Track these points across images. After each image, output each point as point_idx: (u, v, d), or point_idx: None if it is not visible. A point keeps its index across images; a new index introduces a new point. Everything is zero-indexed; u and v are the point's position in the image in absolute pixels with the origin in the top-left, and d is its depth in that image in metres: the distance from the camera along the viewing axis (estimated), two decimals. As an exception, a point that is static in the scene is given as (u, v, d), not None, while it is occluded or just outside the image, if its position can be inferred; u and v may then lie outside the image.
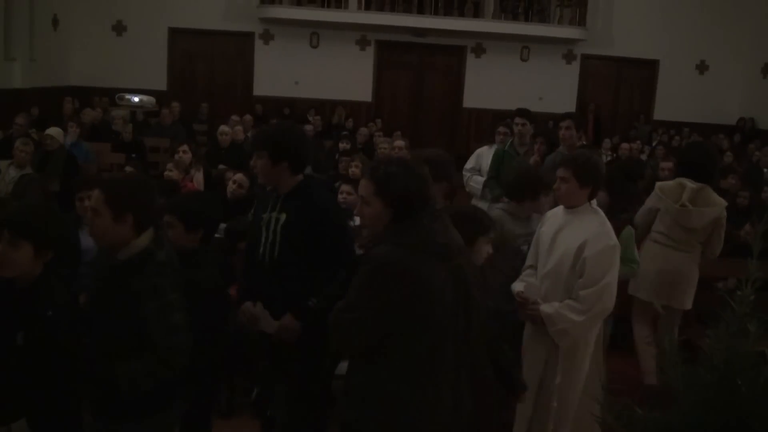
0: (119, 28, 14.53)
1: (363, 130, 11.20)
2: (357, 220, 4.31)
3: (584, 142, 9.80)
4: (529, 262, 3.91)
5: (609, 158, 10.83)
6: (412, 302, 2.50)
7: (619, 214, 4.69)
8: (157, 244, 2.73)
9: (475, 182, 6.73)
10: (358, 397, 2.62)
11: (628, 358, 5.32)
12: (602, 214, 3.68)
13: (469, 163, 6.97)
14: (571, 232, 3.59)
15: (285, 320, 3.37)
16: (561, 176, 3.61)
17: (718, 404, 1.58)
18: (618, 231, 4.23)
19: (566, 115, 6.23)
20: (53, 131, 8.08)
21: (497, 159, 6.44)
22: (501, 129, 6.94)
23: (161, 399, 2.78)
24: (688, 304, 4.99)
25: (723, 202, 4.93)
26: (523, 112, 6.67)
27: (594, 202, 3.72)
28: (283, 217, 3.39)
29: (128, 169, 6.90)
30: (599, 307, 3.51)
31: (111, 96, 13.32)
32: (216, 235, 5.24)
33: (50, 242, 2.63)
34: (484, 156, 6.81)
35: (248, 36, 14.96)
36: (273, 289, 3.39)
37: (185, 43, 14.98)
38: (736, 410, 1.57)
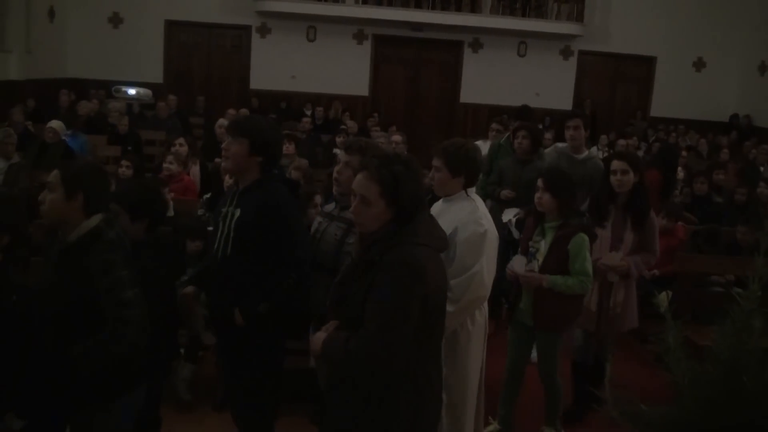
0: (116, 20, 14.44)
1: (350, 123, 11.15)
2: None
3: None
4: None
5: (605, 155, 10.83)
6: (433, 300, 2.45)
7: (572, 219, 4.04)
8: (108, 224, 2.80)
9: None
10: (359, 402, 2.49)
11: (631, 355, 5.36)
12: (478, 201, 3.67)
13: None
14: (445, 221, 3.53)
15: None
16: (434, 165, 3.65)
17: (724, 400, 1.58)
18: (567, 239, 3.95)
19: (574, 114, 5.78)
20: (55, 124, 8.29)
21: (492, 154, 6.44)
22: (494, 126, 6.99)
23: (124, 382, 2.80)
24: None
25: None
26: (524, 112, 6.62)
27: (471, 190, 3.69)
28: (238, 212, 3.31)
29: (125, 162, 6.88)
30: (469, 296, 3.48)
31: (107, 88, 13.24)
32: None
33: (3, 228, 2.61)
34: (480, 150, 6.83)
35: (245, 29, 14.89)
36: (223, 285, 3.35)
37: (182, 36, 14.92)
38: (742, 406, 1.57)
